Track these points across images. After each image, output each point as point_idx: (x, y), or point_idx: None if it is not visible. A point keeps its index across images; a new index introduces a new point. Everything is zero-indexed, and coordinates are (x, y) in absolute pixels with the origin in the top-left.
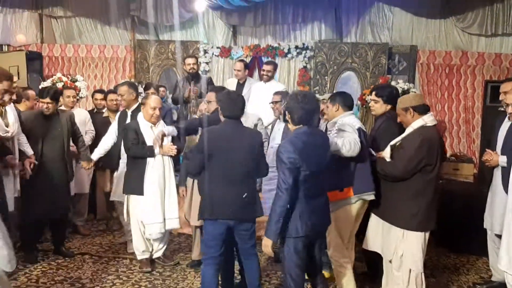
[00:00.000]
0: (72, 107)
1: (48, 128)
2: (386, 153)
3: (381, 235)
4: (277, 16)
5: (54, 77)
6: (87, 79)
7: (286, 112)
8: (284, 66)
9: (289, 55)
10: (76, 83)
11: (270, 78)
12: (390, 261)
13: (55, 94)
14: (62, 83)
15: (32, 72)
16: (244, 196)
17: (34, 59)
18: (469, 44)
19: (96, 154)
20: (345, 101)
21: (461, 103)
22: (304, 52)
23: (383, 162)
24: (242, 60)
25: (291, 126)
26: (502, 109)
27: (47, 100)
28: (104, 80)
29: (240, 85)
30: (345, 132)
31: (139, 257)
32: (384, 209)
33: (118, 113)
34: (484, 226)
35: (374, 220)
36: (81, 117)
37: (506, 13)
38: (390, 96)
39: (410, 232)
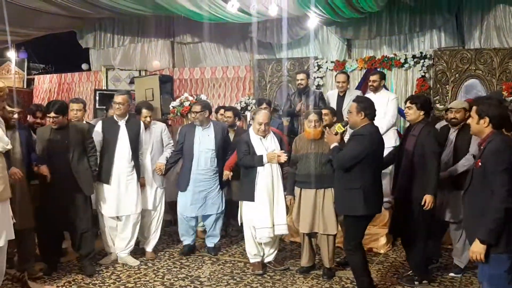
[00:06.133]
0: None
1: (56, 142)
2: None
3: None
4: (393, 27)
5: (181, 96)
6: (212, 98)
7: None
8: (401, 76)
9: (406, 65)
10: None
11: (376, 88)
12: None
13: (60, 108)
14: (189, 102)
15: (165, 93)
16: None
17: (166, 82)
18: None
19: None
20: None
21: None
22: (422, 61)
23: None
24: (344, 72)
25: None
26: None
27: (52, 114)
28: (227, 98)
29: (341, 97)
30: None
31: (251, 260)
32: None
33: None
34: None
35: None
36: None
37: None
38: None
39: None
